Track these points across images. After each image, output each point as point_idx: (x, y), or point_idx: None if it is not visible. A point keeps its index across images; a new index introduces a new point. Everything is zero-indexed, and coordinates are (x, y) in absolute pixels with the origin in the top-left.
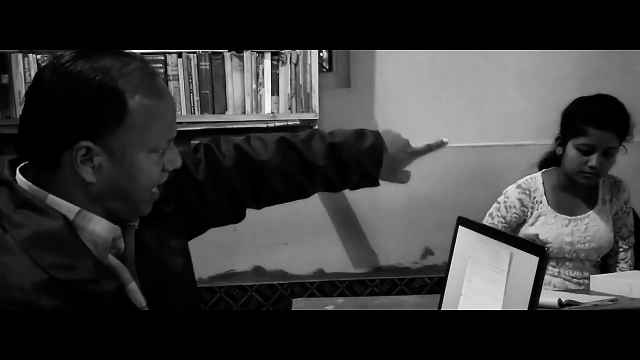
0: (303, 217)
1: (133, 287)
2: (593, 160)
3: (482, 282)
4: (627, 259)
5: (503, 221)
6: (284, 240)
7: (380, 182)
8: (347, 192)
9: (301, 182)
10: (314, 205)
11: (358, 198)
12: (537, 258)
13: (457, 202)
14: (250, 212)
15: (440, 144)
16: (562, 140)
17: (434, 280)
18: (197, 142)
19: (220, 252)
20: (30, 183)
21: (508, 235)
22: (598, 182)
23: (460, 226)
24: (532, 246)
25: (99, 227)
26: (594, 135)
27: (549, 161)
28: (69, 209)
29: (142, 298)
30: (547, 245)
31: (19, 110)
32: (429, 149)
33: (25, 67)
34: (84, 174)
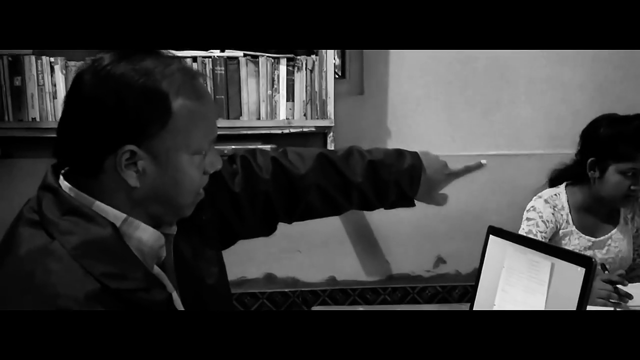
0: (316, 225)
1: (175, 296)
2: (637, 184)
3: (520, 292)
4: None
5: (545, 236)
6: (297, 248)
7: (416, 203)
8: None
9: (337, 199)
10: None
11: None
12: (584, 269)
13: (468, 211)
14: None
15: (479, 166)
16: (600, 164)
17: (446, 288)
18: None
19: (232, 259)
20: (75, 189)
21: (548, 246)
22: None
23: (491, 235)
24: (577, 257)
25: (145, 235)
26: None
27: (559, 178)
28: (116, 215)
29: (182, 308)
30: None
31: (32, 113)
32: (467, 170)
33: (39, 69)
34: (128, 179)
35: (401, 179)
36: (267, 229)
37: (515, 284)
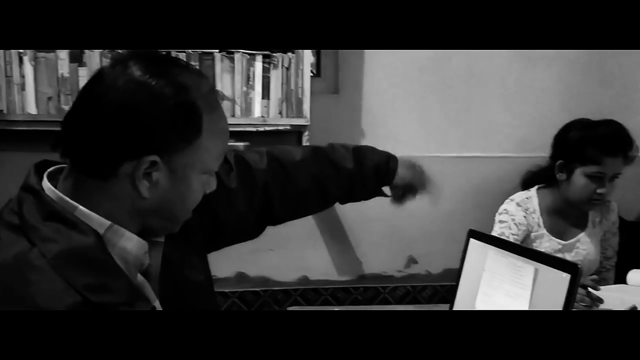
0: (288, 224)
1: (158, 306)
2: (603, 187)
3: (501, 296)
4: (608, 280)
5: (518, 238)
6: (269, 247)
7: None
8: None
9: (329, 187)
10: None
11: (344, 206)
12: (569, 275)
13: (440, 212)
14: None
15: None
16: (568, 167)
17: (417, 288)
18: None
19: None
20: (58, 192)
21: (531, 250)
22: None
23: (471, 239)
24: (562, 262)
25: (130, 244)
26: (608, 163)
27: (532, 181)
28: (100, 222)
29: None
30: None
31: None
32: None
33: (7, 60)
34: (141, 188)
35: (382, 162)
36: (259, 227)
37: (497, 288)
